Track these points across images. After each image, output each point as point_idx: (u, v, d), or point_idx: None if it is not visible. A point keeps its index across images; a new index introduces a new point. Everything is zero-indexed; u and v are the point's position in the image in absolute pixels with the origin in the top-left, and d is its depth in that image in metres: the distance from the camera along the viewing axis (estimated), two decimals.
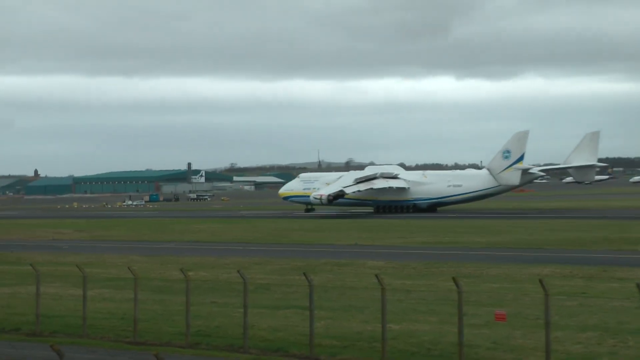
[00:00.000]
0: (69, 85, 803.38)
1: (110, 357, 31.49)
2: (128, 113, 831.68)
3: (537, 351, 28.87)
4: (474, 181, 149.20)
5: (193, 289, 35.16)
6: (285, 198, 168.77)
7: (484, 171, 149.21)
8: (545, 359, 26.64)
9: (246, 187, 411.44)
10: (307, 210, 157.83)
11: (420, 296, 42.97)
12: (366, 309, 38.67)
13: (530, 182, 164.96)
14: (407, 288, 45.16)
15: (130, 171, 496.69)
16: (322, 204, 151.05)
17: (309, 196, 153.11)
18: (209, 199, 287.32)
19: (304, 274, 31.81)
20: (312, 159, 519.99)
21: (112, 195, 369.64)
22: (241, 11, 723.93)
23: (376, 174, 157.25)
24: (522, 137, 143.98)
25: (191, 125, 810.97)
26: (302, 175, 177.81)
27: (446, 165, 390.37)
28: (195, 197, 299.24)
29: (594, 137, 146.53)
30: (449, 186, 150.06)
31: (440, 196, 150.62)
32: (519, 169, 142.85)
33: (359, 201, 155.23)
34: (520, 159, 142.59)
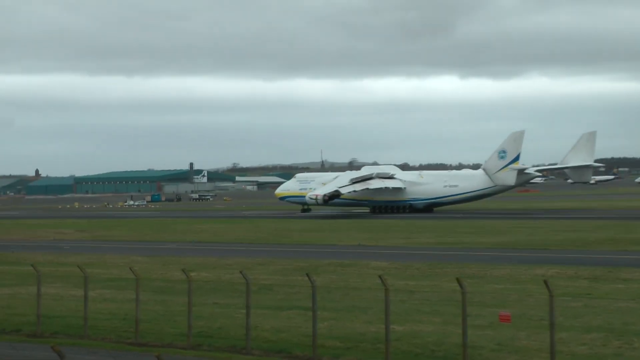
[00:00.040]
0: (69, 84, 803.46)
1: (112, 359, 31.31)
2: (129, 113, 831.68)
3: (541, 352, 28.74)
4: (470, 181, 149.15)
5: (195, 290, 35.02)
6: (282, 198, 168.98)
7: (480, 171, 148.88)
8: None
9: (248, 187, 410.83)
10: (304, 211, 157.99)
11: (423, 297, 42.80)
12: (369, 309, 38.48)
13: (527, 182, 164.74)
14: (411, 289, 44.99)
15: (132, 171, 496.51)
16: (317, 204, 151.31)
17: (305, 196, 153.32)
18: (211, 199, 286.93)
19: (307, 274, 31.66)
20: (315, 158, 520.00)
21: (113, 196, 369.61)
22: (243, 10, 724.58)
23: (372, 174, 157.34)
24: (518, 137, 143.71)
25: (193, 125, 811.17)
26: (299, 175, 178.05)
27: (450, 165, 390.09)
28: (198, 197, 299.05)
29: (590, 138, 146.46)
30: (445, 186, 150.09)
31: (436, 196, 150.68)
32: (514, 169, 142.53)
33: (355, 201, 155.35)
34: (516, 159, 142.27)
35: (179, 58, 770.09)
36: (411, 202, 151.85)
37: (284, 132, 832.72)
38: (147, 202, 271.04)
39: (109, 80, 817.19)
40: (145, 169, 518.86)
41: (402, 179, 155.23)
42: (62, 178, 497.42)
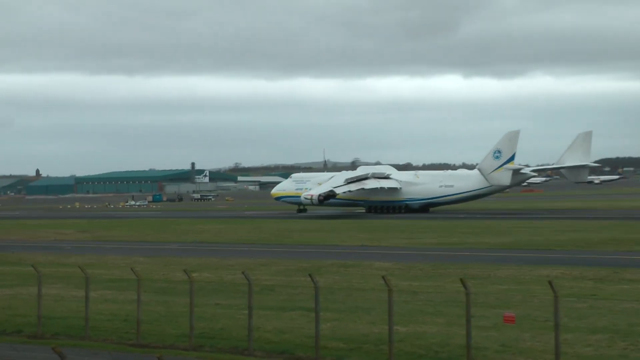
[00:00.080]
0: (70, 84, 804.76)
1: None
2: (131, 112, 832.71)
3: (546, 354, 28.64)
4: (466, 181, 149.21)
5: (197, 291, 34.98)
6: (278, 198, 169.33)
7: (476, 171, 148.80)
8: None
9: (250, 187, 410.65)
10: (299, 211, 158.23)
11: (427, 298, 42.65)
12: (373, 310, 38.40)
13: (522, 182, 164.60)
14: (414, 289, 44.85)
15: (133, 171, 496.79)
16: (312, 204, 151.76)
17: (300, 197, 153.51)
18: (213, 199, 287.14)
19: (310, 275, 31.54)
20: (318, 158, 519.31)
21: (114, 196, 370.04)
22: (244, 9, 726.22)
23: (367, 174, 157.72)
24: (513, 137, 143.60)
25: (195, 124, 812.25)
26: (295, 175, 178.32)
27: (454, 165, 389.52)
28: (199, 197, 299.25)
29: (586, 137, 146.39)
30: (441, 186, 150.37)
31: (432, 196, 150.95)
32: (509, 169, 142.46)
33: (350, 201, 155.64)
34: (511, 159, 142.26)
35: (181, 57, 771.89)
36: (407, 202, 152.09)
37: (286, 131, 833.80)
38: (148, 202, 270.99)
39: (110, 79, 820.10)
40: (147, 168, 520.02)
41: (398, 179, 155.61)
42: (63, 178, 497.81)
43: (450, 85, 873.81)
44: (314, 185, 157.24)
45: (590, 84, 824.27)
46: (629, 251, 67.21)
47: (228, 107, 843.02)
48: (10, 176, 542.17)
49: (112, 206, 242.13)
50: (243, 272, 32.84)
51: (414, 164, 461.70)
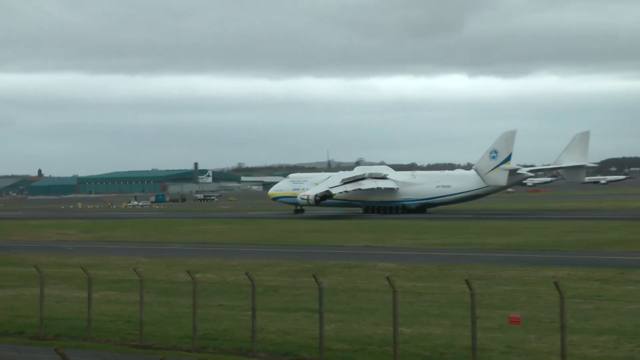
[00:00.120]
0: (72, 83, 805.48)
1: None
2: (133, 112, 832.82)
3: (552, 355, 28.56)
4: (463, 182, 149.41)
5: (200, 292, 34.82)
6: (275, 199, 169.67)
7: (473, 172, 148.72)
8: None
9: (254, 187, 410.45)
10: (297, 211, 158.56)
11: (432, 299, 42.49)
12: (377, 311, 38.22)
13: (519, 182, 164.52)
14: (419, 290, 44.67)
15: (136, 171, 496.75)
16: (309, 204, 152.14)
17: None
18: (216, 200, 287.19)
19: (314, 276, 31.50)
20: (322, 158, 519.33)
21: (117, 196, 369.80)
22: (247, 8, 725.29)
23: (364, 174, 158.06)
24: (509, 137, 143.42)
25: (198, 124, 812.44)
26: (292, 175, 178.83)
27: (458, 165, 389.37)
28: (202, 197, 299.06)
29: (584, 138, 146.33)
30: (438, 187, 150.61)
31: (429, 197, 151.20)
32: (506, 169, 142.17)
33: (347, 202, 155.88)
34: (508, 159, 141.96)
35: (183, 56, 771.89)
36: (404, 202, 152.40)
37: (289, 131, 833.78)
38: (151, 202, 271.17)
39: (111, 79, 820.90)
40: (149, 168, 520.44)
41: (395, 179, 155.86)
42: (65, 178, 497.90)
43: (455, 84, 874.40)
44: (311, 186, 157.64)
45: (596, 83, 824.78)
46: (635, 252, 66.99)
47: (231, 107, 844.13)
48: (12, 176, 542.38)
49: (114, 206, 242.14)
50: (246, 273, 32.72)
51: (419, 163, 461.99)
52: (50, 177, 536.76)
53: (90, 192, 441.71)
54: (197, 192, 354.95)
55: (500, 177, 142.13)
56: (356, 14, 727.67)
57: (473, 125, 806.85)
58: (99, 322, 36.64)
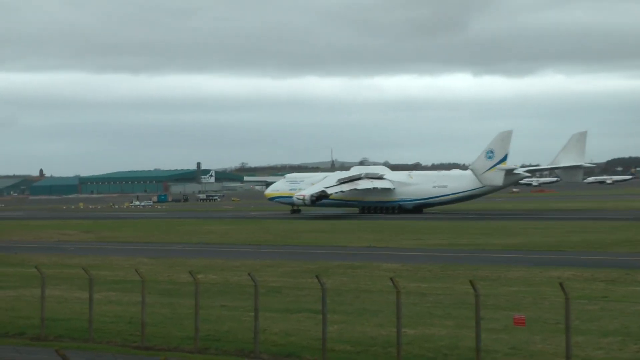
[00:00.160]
0: (74, 82, 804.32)
1: None
2: (135, 111, 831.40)
3: (557, 357, 28.50)
4: (460, 182, 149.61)
5: (202, 292, 34.69)
6: (271, 199, 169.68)
7: (470, 172, 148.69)
8: None
9: (257, 188, 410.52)
10: (293, 212, 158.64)
11: (436, 300, 42.35)
12: (380, 312, 38.15)
13: (516, 182, 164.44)
14: (423, 291, 44.61)
15: (138, 171, 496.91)
16: (305, 204, 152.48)
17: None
18: (218, 200, 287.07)
19: (317, 276, 31.34)
20: (325, 158, 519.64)
21: (119, 196, 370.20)
22: (250, 7, 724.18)
23: (360, 174, 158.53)
24: (505, 137, 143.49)
25: (200, 123, 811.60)
26: (288, 175, 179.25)
27: (463, 164, 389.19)
28: (205, 197, 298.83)
29: (581, 138, 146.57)
30: (435, 187, 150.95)
31: (425, 197, 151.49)
32: (502, 169, 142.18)
33: (343, 202, 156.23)
34: (504, 159, 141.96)
35: (186, 55, 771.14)
36: (400, 202, 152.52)
37: (293, 131, 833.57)
38: (153, 202, 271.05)
39: (114, 78, 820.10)
40: (152, 168, 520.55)
41: (391, 179, 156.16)
42: (67, 178, 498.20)
43: (459, 83, 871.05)
44: (307, 186, 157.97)
45: (602, 82, 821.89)
46: None
47: (234, 106, 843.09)
48: (14, 176, 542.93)
49: (116, 206, 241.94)
50: (249, 274, 32.67)
51: (423, 163, 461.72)
52: (51, 177, 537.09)
53: (92, 192, 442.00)
54: (199, 192, 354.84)
55: (497, 177, 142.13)
56: (360, 13, 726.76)
57: (478, 125, 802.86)
58: (100, 323, 36.56)
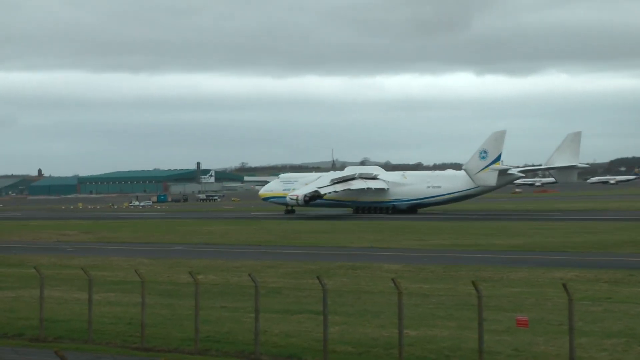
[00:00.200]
0: (73, 81, 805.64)
1: None
2: (135, 110, 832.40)
3: (560, 358, 28.51)
4: (454, 182, 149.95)
5: (202, 293, 34.57)
6: (265, 199, 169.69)
7: (463, 172, 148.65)
8: None
9: (257, 188, 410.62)
10: (287, 212, 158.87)
11: (438, 301, 42.23)
12: (382, 314, 38.05)
13: (510, 183, 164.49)
14: (425, 292, 44.66)
15: (137, 171, 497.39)
16: (298, 204, 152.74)
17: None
18: (219, 200, 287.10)
19: (318, 277, 31.22)
20: (326, 158, 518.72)
21: (118, 196, 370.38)
22: (251, 6, 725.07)
23: (354, 174, 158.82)
24: (499, 137, 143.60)
25: (200, 123, 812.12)
26: (282, 175, 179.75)
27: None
28: (205, 197, 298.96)
29: (575, 138, 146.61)
30: (429, 187, 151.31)
31: (419, 197, 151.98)
32: (495, 170, 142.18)
33: (337, 202, 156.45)
34: (497, 159, 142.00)
35: (186, 54, 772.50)
36: (394, 202, 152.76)
37: (293, 130, 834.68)
38: (153, 202, 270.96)
39: (113, 77, 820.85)
40: (151, 168, 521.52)
41: (386, 179, 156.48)
42: (66, 178, 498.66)
43: (461, 83, 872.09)
44: (301, 186, 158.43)
45: (605, 81, 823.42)
46: None
47: (234, 106, 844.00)
48: (12, 176, 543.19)
49: (116, 207, 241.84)
50: (249, 274, 32.60)
51: (425, 163, 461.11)
52: (50, 177, 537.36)
53: (91, 192, 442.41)
54: (199, 192, 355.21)
55: (490, 178, 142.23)
56: (361, 12, 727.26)
57: (480, 124, 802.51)
58: (100, 324, 36.46)
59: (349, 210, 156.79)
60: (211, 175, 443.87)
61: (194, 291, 32.88)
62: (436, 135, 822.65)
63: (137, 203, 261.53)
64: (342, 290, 45.76)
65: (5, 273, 59.26)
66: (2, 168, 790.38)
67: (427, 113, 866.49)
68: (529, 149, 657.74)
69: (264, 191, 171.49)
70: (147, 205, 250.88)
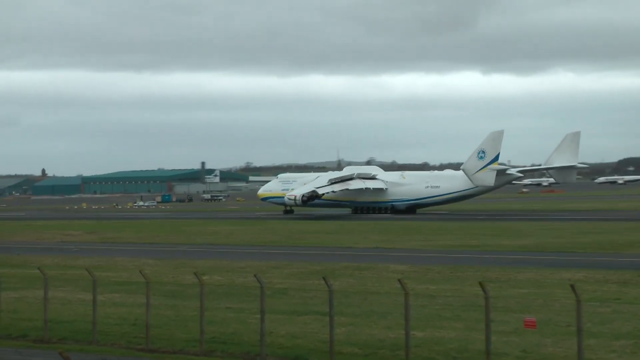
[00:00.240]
0: (77, 81, 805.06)
1: None
2: (139, 110, 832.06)
3: None
4: (452, 182, 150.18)
5: (207, 294, 34.46)
6: (264, 199, 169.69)
7: (462, 172, 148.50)
8: None
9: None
10: (286, 212, 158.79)
11: (445, 302, 42.13)
12: (389, 315, 37.92)
13: (508, 183, 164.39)
14: (431, 293, 44.67)
15: (142, 170, 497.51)
16: (296, 204, 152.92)
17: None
18: (223, 200, 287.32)
19: (324, 278, 31.28)
20: (331, 157, 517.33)
21: (122, 196, 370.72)
22: (255, 4, 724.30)
23: (352, 174, 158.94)
24: (496, 137, 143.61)
25: (205, 122, 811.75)
26: (281, 175, 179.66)
27: None
28: (210, 197, 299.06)
29: (574, 138, 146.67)
30: (427, 187, 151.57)
31: (418, 197, 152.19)
32: (493, 170, 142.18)
33: (335, 202, 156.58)
34: (495, 159, 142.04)
35: (190, 53, 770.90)
36: (393, 202, 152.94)
37: (298, 130, 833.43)
38: (157, 202, 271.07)
39: (117, 76, 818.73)
40: (155, 168, 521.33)
41: (384, 179, 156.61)
42: (69, 178, 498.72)
43: (468, 81, 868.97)
44: (300, 186, 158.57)
45: (612, 80, 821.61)
46: None
47: (239, 105, 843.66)
48: (16, 176, 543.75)
49: (120, 207, 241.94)
50: (255, 275, 32.46)
51: (431, 163, 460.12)
52: (54, 177, 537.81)
53: (95, 192, 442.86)
54: (204, 192, 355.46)
55: (488, 178, 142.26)
56: (367, 10, 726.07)
57: (487, 124, 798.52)
58: (104, 325, 36.45)
59: (348, 210, 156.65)
60: (216, 175, 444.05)
61: (199, 292, 32.81)
62: (442, 135, 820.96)
63: (141, 203, 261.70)
64: (348, 291, 45.58)
65: (8, 274, 58.73)
66: (6, 168, 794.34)
67: (433, 112, 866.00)
68: (535, 148, 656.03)
69: (263, 191, 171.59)
70: (152, 206, 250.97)
